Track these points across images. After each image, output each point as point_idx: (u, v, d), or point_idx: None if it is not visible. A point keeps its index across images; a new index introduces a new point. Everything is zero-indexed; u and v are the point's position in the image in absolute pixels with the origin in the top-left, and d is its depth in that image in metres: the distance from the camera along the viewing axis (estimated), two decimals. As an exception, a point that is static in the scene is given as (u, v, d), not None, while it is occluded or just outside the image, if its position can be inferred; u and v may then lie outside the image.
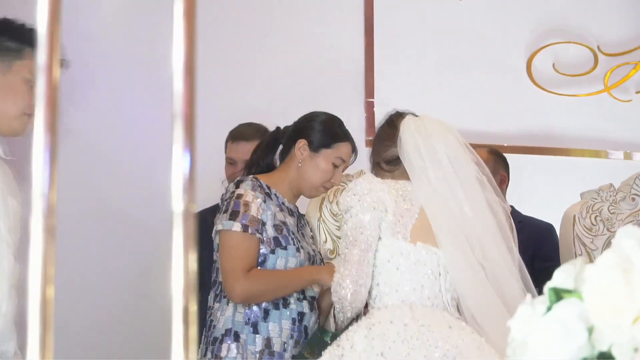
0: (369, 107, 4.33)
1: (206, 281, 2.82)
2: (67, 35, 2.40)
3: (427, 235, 2.43)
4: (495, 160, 3.69)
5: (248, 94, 4.22)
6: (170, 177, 0.69)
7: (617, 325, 0.89)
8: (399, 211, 2.42)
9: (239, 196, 2.70)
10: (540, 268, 2.99)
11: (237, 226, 2.65)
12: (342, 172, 2.87)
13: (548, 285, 0.99)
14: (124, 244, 3.92)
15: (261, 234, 2.68)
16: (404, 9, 4.51)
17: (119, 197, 3.98)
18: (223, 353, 2.65)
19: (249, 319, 2.67)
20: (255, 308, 2.68)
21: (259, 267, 2.69)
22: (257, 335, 2.66)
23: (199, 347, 2.74)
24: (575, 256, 3.44)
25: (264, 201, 2.71)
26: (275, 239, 2.70)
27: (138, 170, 3.96)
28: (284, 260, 2.69)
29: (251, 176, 2.78)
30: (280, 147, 2.91)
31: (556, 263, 3.06)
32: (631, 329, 0.89)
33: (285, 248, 2.70)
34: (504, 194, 3.68)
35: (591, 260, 0.96)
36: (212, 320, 2.73)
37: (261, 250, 2.69)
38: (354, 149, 2.84)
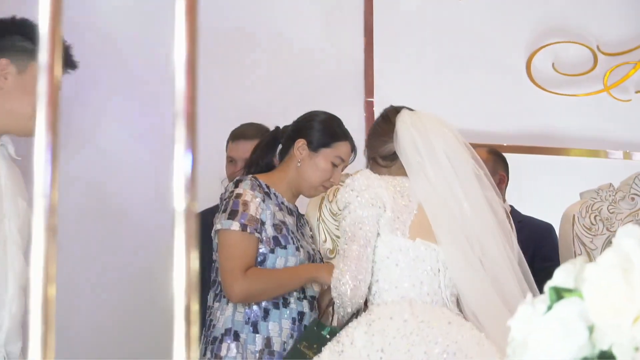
0: (369, 107, 4.33)
1: (207, 281, 2.82)
2: (68, 34, 2.40)
3: (426, 232, 2.43)
4: (495, 160, 3.69)
5: (249, 93, 4.22)
6: (172, 176, 0.69)
7: (618, 324, 0.89)
8: (397, 207, 2.42)
9: (238, 195, 2.70)
10: (539, 268, 2.99)
11: (235, 225, 2.65)
12: (342, 171, 2.86)
13: (548, 285, 0.99)
14: (126, 243, 3.92)
15: (260, 233, 2.68)
16: (404, 9, 4.51)
17: (120, 196, 3.98)
18: (223, 352, 2.65)
19: (248, 319, 2.67)
20: (255, 307, 2.68)
21: (258, 267, 2.69)
22: (257, 335, 2.66)
23: (199, 347, 2.74)
24: (575, 256, 3.44)
25: (263, 200, 2.71)
26: (275, 238, 2.70)
27: (140, 169, 3.96)
28: (284, 260, 2.70)
29: (250, 175, 2.78)
30: (280, 146, 2.91)
31: (556, 263, 3.06)
32: (632, 329, 0.89)
33: (284, 247, 2.70)
34: (504, 193, 3.68)
35: (591, 260, 0.96)
36: (211, 320, 2.73)
37: (261, 250, 2.69)
38: (353, 148, 2.84)
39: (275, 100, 4.17)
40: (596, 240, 3.48)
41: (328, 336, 2.54)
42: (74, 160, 3.81)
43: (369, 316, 2.35)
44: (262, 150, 2.91)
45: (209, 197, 3.12)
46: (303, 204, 3.07)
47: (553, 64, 4.60)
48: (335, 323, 2.68)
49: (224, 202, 2.72)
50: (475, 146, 2.68)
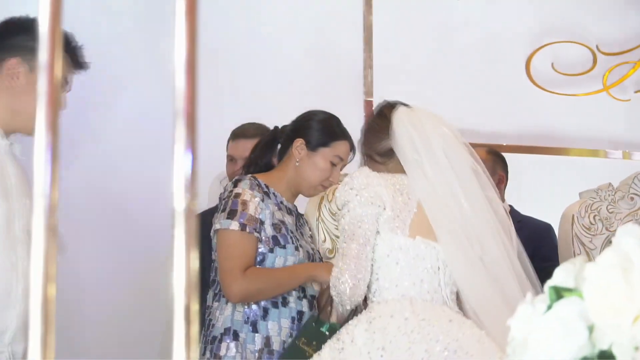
0: (368, 106, 4.32)
1: (206, 281, 2.82)
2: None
3: (425, 230, 2.42)
4: (494, 160, 3.69)
5: (248, 93, 4.22)
6: (172, 176, 0.69)
7: (618, 324, 0.90)
8: (396, 206, 2.41)
9: (237, 195, 2.70)
10: (539, 268, 2.99)
11: (234, 225, 2.65)
12: (341, 170, 2.86)
13: (548, 284, 0.99)
14: (126, 242, 3.92)
15: (259, 233, 2.68)
16: (403, 8, 4.51)
17: (120, 195, 3.97)
18: (222, 352, 2.65)
19: (248, 318, 2.67)
20: (254, 307, 2.68)
21: (257, 266, 2.69)
22: (256, 334, 2.66)
23: (199, 347, 2.74)
24: (574, 255, 3.44)
25: (262, 200, 2.71)
26: (274, 237, 2.70)
27: (139, 169, 3.96)
28: (283, 259, 2.69)
29: (249, 175, 2.78)
30: (279, 146, 2.91)
31: (555, 263, 3.06)
32: (631, 328, 0.89)
33: (284, 247, 2.70)
34: (503, 193, 3.68)
35: (590, 260, 0.96)
36: (211, 320, 2.73)
37: (260, 249, 2.69)
38: (352, 148, 2.83)
39: (274, 99, 4.17)
40: (595, 240, 3.48)
41: (327, 333, 2.54)
42: (74, 160, 3.81)
43: (370, 314, 2.34)
44: (261, 149, 2.91)
45: (209, 197, 3.12)
46: (302, 203, 3.07)
47: (552, 64, 4.60)
48: (334, 319, 2.68)
49: (223, 202, 2.72)
50: (474, 146, 2.67)
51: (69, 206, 3.68)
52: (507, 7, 4.62)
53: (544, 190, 4.38)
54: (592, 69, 4.61)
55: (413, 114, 2.54)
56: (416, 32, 4.51)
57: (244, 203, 2.68)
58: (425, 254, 2.40)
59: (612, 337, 0.90)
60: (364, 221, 2.39)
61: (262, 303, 2.68)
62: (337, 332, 2.38)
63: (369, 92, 4.39)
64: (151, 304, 3.65)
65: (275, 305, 2.69)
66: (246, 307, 2.68)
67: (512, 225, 2.54)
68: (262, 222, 2.69)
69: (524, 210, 3.75)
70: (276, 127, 2.94)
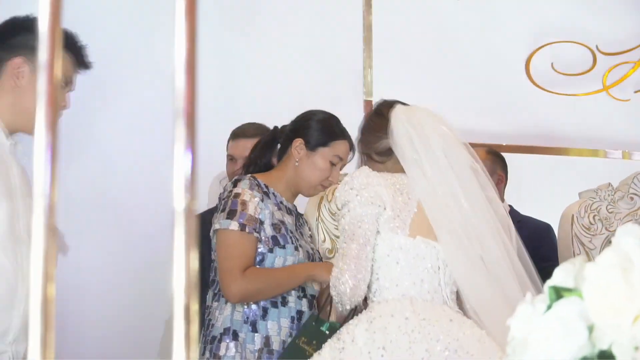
0: (368, 106, 4.32)
1: (206, 281, 2.82)
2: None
3: (426, 229, 2.42)
4: (493, 160, 3.69)
5: (248, 93, 4.22)
6: (171, 176, 0.69)
7: (618, 324, 0.89)
8: (397, 205, 2.40)
9: (237, 195, 2.69)
10: (538, 268, 2.99)
11: (234, 225, 2.65)
12: (340, 170, 2.86)
13: (548, 284, 0.99)
14: (125, 242, 3.92)
15: (259, 233, 2.68)
16: (402, 8, 4.51)
17: (120, 195, 3.98)
18: (221, 352, 2.64)
19: (247, 318, 2.67)
20: (254, 307, 2.68)
21: (256, 266, 2.69)
22: (256, 334, 2.66)
23: (198, 347, 2.74)
24: (574, 255, 3.44)
25: (262, 200, 2.71)
26: (274, 237, 2.70)
27: (139, 169, 3.96)
28: (282, 259, 2.69)
29: (249, 175, 2.78)
30: (279, 146, 2.91)
31: (554, 263, 3.06)
32: (631, 328, 0.89)
33: (283, 247, 2.70)
34: (502, 193, 3.68)
35: (590, 260, 0.96)
36: (210, 320, 2.73)
37: (259, 249, 2.69)
38: (351, 147, 2.83)
39: (274, 99, 4.17)
40: (595, 240, 3.48)
41: (327, 332, 2.54)
42: (74, 160, 3.81)
43: (370, 314, 2.34)
44: (261, 149, 2.90)
45: (209, 198, 3.12)
46: (302, 203, 3.07)
47: (552, 64, 4.60)
48: (333, 318, 2.67)
49: (223, 202, 2.72)
50: (474, 146, 2.67)
51: (69, 206, 3.68)
52: (507, 7, 4.62)
53: (543, 190, 4.38)
54: (591, 69, 4.62)
55: (411, 113, 2.53)
56: (416, 32, 4.51)
57: (244, 203, 2.68)
58: (425, 254, 2.40)
59: (612, 337, 0.90)
60: (364, 221, 2.38)
61: (262, 303, 2.68)
62: (338, 331, 2.37)
63: (368, 92, 4.39)
64: (151, 304, 3.65)
65: (274, 304, 2.69)
66: (246, 307, 2.68)
67: (512, 224, 2.53)
68: (261, 222, 2.69)
69: (524, 210, 3.75)
70: (276, 127, 2.94)
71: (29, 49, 2.30)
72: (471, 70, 4.52)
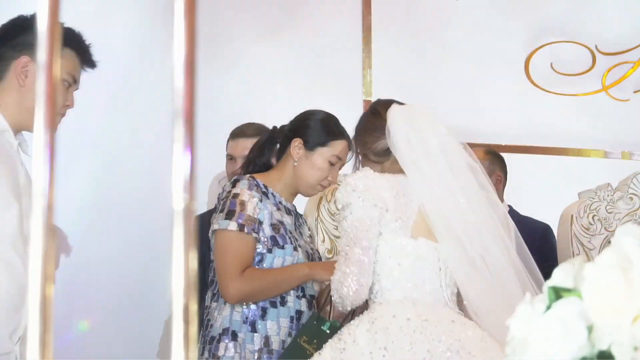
0: (367, 106, 4.32)
1: (205, 282, 2.82)
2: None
3: (427, 231, 2.41)
4: (492, 161, 3.69)
5: (247, 93, 4.22)
6: (170, 176, 0.69)
7: (617, 324, 0.89)
8: (399, 207, 2.39)
9: (235, 195, 2.69)
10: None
11: (233, 225, 2.65)
12: (339, 170, 2.86)
13: (547, 284, 0.98)
14: (125, 242, 3.92)
15: (257, 233, 2.68)
16: (402, 8, 4.51)
17: (119, 195, 3.97)
18: (220, 352, 2.64)
19: (246, 318, 2.67)
20: (253, 307, 2.68)
21: (256, 267, 2.69)
22: (255, 334, 2.66)
23: (197, 347, 2.74)
24: (573, 256, 3.44)
25: (261, 200, 2.71)
26: (273, 238, 2.70)
27: (138, 169, 3.95)
28: (281, 260, 2.69)
29: (248, 175, 2.78)
30: (277, 146, 2.90)
31: (553, 263, 3.06)
32: (631, 328, 0.89)
33: (282, 247, 2.70)
34: (501, 194, 3.68)
35: (589, 260, 0.96)
36: (209, 320, 2.73)
37: (258, 250, 2.69)
38: (350, 147, 2.82)
39: (273, 99, 4.17)
40: (594, 240, 3.48)
41: (328, 331, 2.53)
42: (73, 160, 3.80)
43: (372, 314, 2.33)
44: (260, 149, 2.90)
45: (209, 198, 3.12)
46: (301, 203, 3.07)
47: (551, 64, 4.60)
48: (332, 317, 2.67)
49: (222, 202, 2.72)
50: (473, 146, 2.66)
51: (68, 206, 3.68)
52: (507, 7, 4.62)
53: (542, 191, 4.37)
54: (591, 68, 4.61)
55: (409, 113, 2.51)
56: (415, 32, 4.51)
57: (242, 203, 2.68)
58: (427, 255, 2.39)
59: (611, 337, 0.90)
60: (367, 224, 2.35)
61: (261, 303, 2.68)
62: (339, 332, 2.37)
63: (367, 92, 4.39)
64: (150, 304, 3.65)
65: (274, 304, 2.69)
66: (245, 307, 2.68)
67: (512, 222, 2.52)
68: (260, 223, 2.69)
69: (523, 210, 3.74)
70: (274, 127, 2.93)
71: (36, 48, 2.29)
72: (470, 70, 4.51)
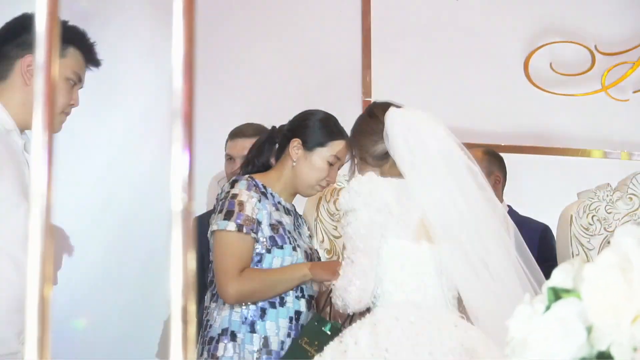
0: (366, 106, 4.32)
1: (204, 283, 2.82)
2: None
3: (429, 234, 2.40)
4: (490, 161, 3.68)
5: (246, 93, 4.22)
6: (169, 176, 0.69)
7: (616, 324, 0.89)
8: (402, 211, 2.37)
9: (234, 196, 2.69)
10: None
11: (231, 226, 2.65)
12: (338, 170, 2.86)
13: (546, 285, 0.98)
14: (123, 243, 3.91)
15: (256, 233, 2.68)
16: (401, 8, 4.51)
17: (118, 196, 3.97)
18: (219, 352, 2.64)
19: (246, 318, 2.67)
20: (252, 307, 2.68)
21: (256, 267, 2.68)
22: (254, 335, 2.66)
23: (196, 348, 2.74)
24: (573, 256, 3.45)
25: (259, 200, 2.71)
26: (272, 238, 2.69)
27: (137, 169, 3.95)
28: (280, 260, 2.69)
29: (247, 176, 2.77)
30: (277, 145, 2.90)
31: (552, 263, 3.06)
32: (630, 328, 0.89)
33: (281, 247, 2.70)
34: (500, 194, 3.68)
35: (588, 260, 0.96)
36: (208, 320, 2.73)
37: (257, 250, 2.69)
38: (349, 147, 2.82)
39: (272, 99, 4.17)
40: (594, 240, 3.48)
41: (329, 332, 2.53)
42: (71, 160, 3.80)
43: (374, 317, 2.33)
44: (259, 149, 2.90)
45: (208, 199, 3.12)
46: (300, 203, 3.07)
47: (551, 64, 4.60)
48: (332, 318, 2.66)
49: (220, 203, 2.72)
50: (472, 146, 2.66)
51: (67, 207, 3.67)
52: (506, 7, 4.62)
53: (542, 191, 4.37)
54: (590, 69, 4.61)
55: (407, 115, 2.49)
56: (415, 32, 4.51)
57: (241, 204, 2.68)
58: (429, 259, 2.38)
59: (611, 337, 0.90)
60: (372, 230, 2.34)
61: (260, 303, 2.68)
62: (340, 334, 2.36)
63: (367, 92, 4.39)
64: (150, 304, 3.65)
65: (273, 305, 2.69)
66: (244, 307, 2.67)
67: (512, 223, 2.52)
68: (259, 223, 2.69)
69: (522, 210, 3.74)
70: (273, 127, 2.93)
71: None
72: (470, 70, 4.51)
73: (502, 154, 3.86)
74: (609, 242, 0.99)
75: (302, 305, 2.73)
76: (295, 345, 2.60)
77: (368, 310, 2.40)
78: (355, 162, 2.56)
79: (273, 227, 2.71)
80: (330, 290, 2.47)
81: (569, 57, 4.61)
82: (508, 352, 0.98)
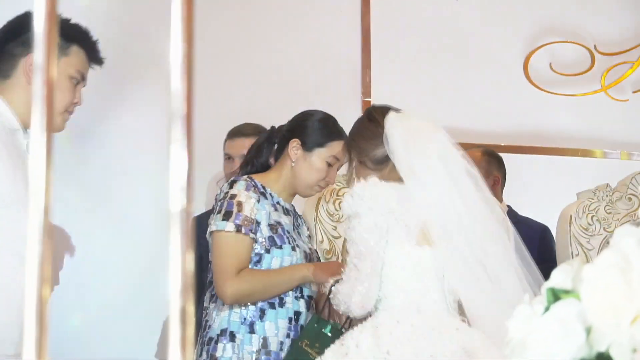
0: (366, 107, 4.32)
1: (203, 283, 2.82)
2: (64, 33, 2.39)
3: (430, 238, 2.40)
4: (489, 162, 3.68)
5: (246, 94, 4.22)
6: (168, 177, 0.68)
7: (616, 325, 0.89)
8: (405, 215, 2.36)
9: (233, 196, 2.69)
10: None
11: (230, 226, 2.65)
12: (337, 170, 2.86)
13: (546, 285, 0.98)
14: (121, 243, 3.91)
15: (255, 233, 2.67)
16: (401, 8, 4.51)
17: (117, 196, 3.97)
18: (218, 353, 2.64)
19: (245, 319, 2.67)
20: (251, 308, 2.68)
21: (255, 267, 2.68)
22: (253, 335, 2.65)
23: (195, 348, 2.74)
24: (572, 256, 3.45)
25: (258, 201, 2.70)
26: (270, 238, 2.69)
27: (136, 170, 3.95)
28: (279, 260, 2.69)
29: (245, 176, 2.77)
30: (276, 146, 2.90)
31: (551, 264, 3.07)
32: (630, 329, 0.89)
33: (280, 247, 2.69)
34: (500, 194, 3.68)
35: (588, 261, 0.96)
36: (207, 321, 2.72)
37: (256, 250, 2.68)
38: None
39: (272, 100, 4.16)
40: (593, 240, 3.48)
41: (329, 334, 2.53)
42: (70, 160, 3.80)
43: (375, 320, 2.32)
44: (258, 150, 2.90)
45: (207, 199, 3.12)
46: (300, 204, 3.06)
47: (550, 64, 4.60)
48: (329, 315, 2.66)
49: (219, 203, 2.72)
50: (471, 146, 2.66)
51: (65, 207, 3.67)
52: (506, 7, 4.62)
53: (541, 191, 4.37)
54: (590, 69, 4.61)
55: (406, 120, 2.49)
56: (414, 32, 4.51)
57: (240, 204, 2.68)
58: (431, 262, 2.38)
59: (610, 337, 0.89)
60: (377, 235, 2.33)
61: (259, 304, 2.68)
62: (341, 337, 2.36)
63: (366, 92, 4.39)
64: (148, 305, 3.64)
65: (272, 305, 2.69)
66: (243, 308, 2.67)
67: (512, 227, 2.51)
68: (258, 223, 2.69)
69: (522, 210, 3.74)
70: (273, 127, 2.93)
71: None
72: (469, 70, 4.51)
73: (501, 154, 3.86)
74: (608, 243, 0.98)
75: (301, 305, 2.73)
76: (295, 347, 2.60)
77: (369, 313, 2.39)
78: (353, 165, 2.56)
79: (272, 227, 2.71)
80: (330, 291, 2.47)
81: (568, 57, 4.62)
82: (507, 353, 0.98)
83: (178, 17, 0.70)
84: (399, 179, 2.43)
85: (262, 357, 2.64)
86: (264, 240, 2.68)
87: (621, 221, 3.49)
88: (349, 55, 4.42)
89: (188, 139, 0.70)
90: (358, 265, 2.33)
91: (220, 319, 2.68)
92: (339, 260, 3.23)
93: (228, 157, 3.50)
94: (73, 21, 2.42)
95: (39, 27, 0.69)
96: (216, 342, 2.66)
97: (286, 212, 2.81)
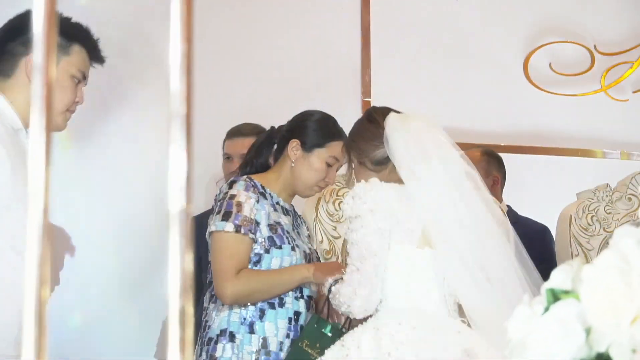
0: (366, 106, 4.32)
1: (202, 284, 2.82)
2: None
3: (432, 240, 2.40)
4: (488, 162, 3.68)
5: (245, 94, 4.22)
6: (167, 178, 0.68)
7: (616, 325, 0.89)
8: (406, 217, 2.36)
9: (232, 197, 2.69)
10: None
11: (229, 226, 2.64)
12: (337, 171, 2.85)
13: (545, 286, 0.98)
14: (121, 244, 3.91)
15: (254, 234, 2.67)
16: (401, 8, 4.51)
17: (116, 197, 3.97)
18: (218, 353, 2.64)
19: (244, 319, 2.67)
20: (251, 308, 2.67)
21: (254, 267, 2.68)
22: (253, 335, 2.65)
23: (194, 349, 2.74)
24: (572, 256, 3.45)
25: (257, 201, 2.70)
26: (270, 238, 2.69)
27: (135, 170, 3.95)
28: (279, 260, 2.69)
29: (245, 176, 2.77)
30: (275, 146, 2.90)
31: (550, 264, 3.06)
32: (629, 329, 0.89)
33: (280, 247, 2.69)
34: (499, 194, 3.67)
35: (588, 261, 0.96)
36: (207, 321, 2.72)
37: (256, 250, 2.68)
38: (347, 149, 2.81)
39: (271, 100, 4.16)
40: (593, 240, 3.48)
41: (330, 334, 2.52)
42: (69, 161, 3.80)
43: (377, 321, 2.32)
44: (257, 150, 2.90)
45: (206, 199, 3.11)
46: (299, 204, 3.06)
47: (550, 64, 4.60)
48: (329, 315, 2.66)
49: (218, 204, 2.71)
50: (470, 146, 2.66)
51: (64, 207, 3.67)
52: (506, 7, 4.62)
53: (541, 191, 4.37)
54: (590, 69, 4.61)
55: (406, 121, 2.48)
56: (414, 32, 4.51)
57: (239, 204, 2.67)
58: (432, 265, 2.37)
59: (610, 337, 0.89)
60: (379, 237, 2.33)
61: (259, 304, 2.67)
62: (342, 338, 2.35)
63: (366, 92, 4.38)
64: (148, 305, 3.64)
65: (272, 306, 2.68)
66: (243, 308, 2.67)
67: (512, 228, 2.51)
68: (257, 223, 2.68)
69: (521, 210, 3.74)
70: (272, 127, 2.93)
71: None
72: (469, 70, 4.51)
73: (501, 154, 3.86)
74: (608, 243, 0.98)
75: (301, 305, 2.72)
76: (296, 348, 2.59)
77: (372, 314, 2.39)
78: (353, 166, 2.55)
79: (271, 227, 2.70)
80: (329, 291, 2.46)
81: (568, 57, 4.61)
82: (507, 353, 0.98)
83: (177, 17, 0.70)
84: (399, 180, 2.43)
85: (262, 358, 2.64)
86: (263, 240, 2.68)
87: (621, 221, 3.49)
88: (349, 55, 4.42)
89: (187, 139, 0.69)
90: (360, 268, 2.33)
91: (219, 319, 2.68)
92: (339, 261, 3.23)
93: (227, 157, 3.50)
94: (73, 20, 2.42)
95: (38, 27, 0.69)
96: (216, 343, 2.66)
97: (286, 212, 2.81)
